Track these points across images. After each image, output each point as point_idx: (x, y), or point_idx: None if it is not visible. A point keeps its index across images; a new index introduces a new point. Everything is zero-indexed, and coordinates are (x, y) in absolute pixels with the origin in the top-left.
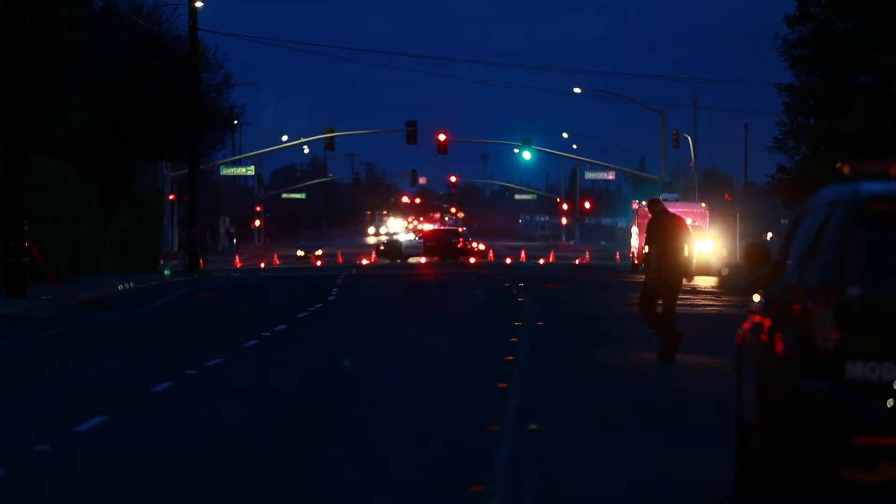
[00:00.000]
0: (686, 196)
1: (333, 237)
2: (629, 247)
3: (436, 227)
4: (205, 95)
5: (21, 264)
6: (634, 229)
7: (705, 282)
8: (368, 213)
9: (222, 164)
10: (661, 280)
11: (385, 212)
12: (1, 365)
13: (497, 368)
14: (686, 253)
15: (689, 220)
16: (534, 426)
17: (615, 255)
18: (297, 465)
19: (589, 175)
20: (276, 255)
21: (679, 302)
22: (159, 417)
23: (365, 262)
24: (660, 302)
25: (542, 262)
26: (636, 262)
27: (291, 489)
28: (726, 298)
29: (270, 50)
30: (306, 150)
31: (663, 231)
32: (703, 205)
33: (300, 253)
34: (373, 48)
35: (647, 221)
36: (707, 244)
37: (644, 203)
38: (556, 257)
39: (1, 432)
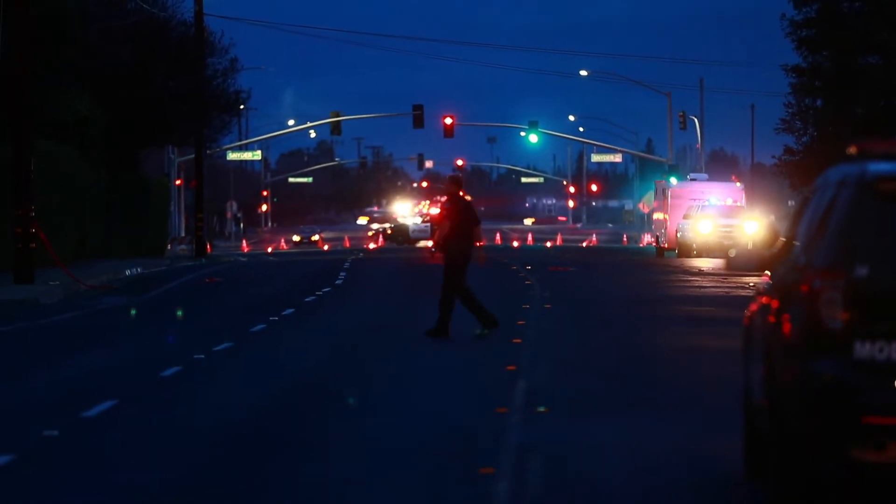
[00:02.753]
0: None
1: (340, 222)
2: (652, 228)
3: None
4: (211, 80)
5: (29, 250)
6: (658, 211)
7: (718, 263)
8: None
9: (229, 148)
10: (452, 258)
11: (371, 206)
12: (8, 351)
13: (505, 351)
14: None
15: (729, 201)
16: (542, 408)
17: (622, 237)
18: (306, 452)
19: (595, 157)
20: (283, 240)
21: (685, 283)
22: (167, 403)
23: (372, 245)
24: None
25: (549, 244)
26: (665, 245)
27: (303, 478)
28: (733, 280)
29: (276, 34)
30: (313, 135)
31: (463, 212)
32: (738, 184)
33: (296, 238)
34: (379, 31)
35: (451, 204)
36: (752, 225)
37: (675, 183)
38: (563, 240)
39: (9, 417)
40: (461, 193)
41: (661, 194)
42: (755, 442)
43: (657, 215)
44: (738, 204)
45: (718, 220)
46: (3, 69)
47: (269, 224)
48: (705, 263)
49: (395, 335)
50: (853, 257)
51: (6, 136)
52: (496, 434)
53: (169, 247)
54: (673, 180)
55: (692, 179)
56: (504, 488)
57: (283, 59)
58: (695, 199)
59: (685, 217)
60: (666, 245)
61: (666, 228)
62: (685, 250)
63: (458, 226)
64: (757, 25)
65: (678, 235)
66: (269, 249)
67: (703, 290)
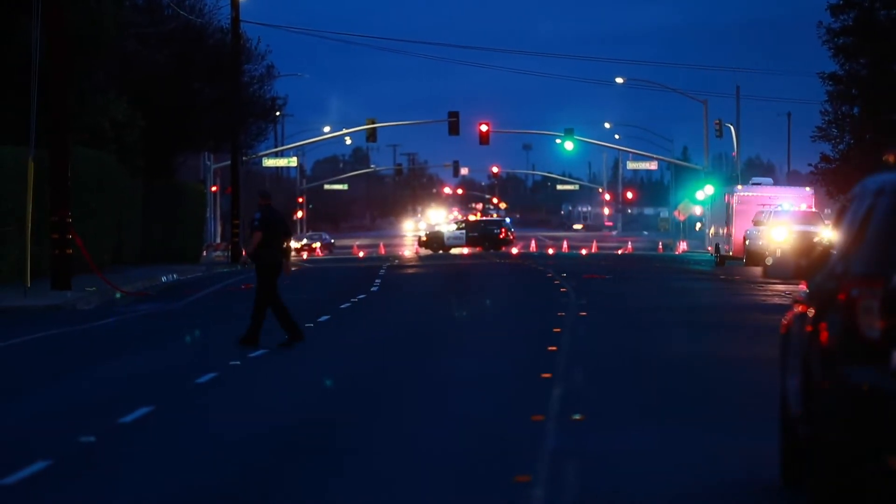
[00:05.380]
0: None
1: (376, 228)
2: (707, 236)
3: (477, 217)
4: (247, 87)
5: (65, 256)
6: (711, 215)
7: (756, 272)
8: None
9: (265, 155)
10: (262, 267)
11: (406, 213)
12: (45, 356)
13: (541, 359)
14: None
15: (802, 206)
16: (578, 416)
17: (658, 244)
18: (342, 457)
19: (631, 165)
20: (319, 246)
21: (724, 291)
22: (202, 409)
23: (407, 253)
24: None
25: (584, 252)
26: (729, 253)
27: (340, 482)
28: (770, 288)
29: (313, 40)
30: (348, 141)
31: (273, 224)
32: (807, 189)
33: (314, 245)
34: (415, 39)
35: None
36: (830, 234)
37: (740, 189)
38: (598, 247)
39: (47, 423)
40: (271, 206)
41: (723, 201)
42: (792, 449)
43: (715, 223)
44: (812, 209)
45: (794, 226)
46: (41, 75)
47: (305, 231)
48: None
49: (427, 344)
50: (891, 265)
51: (43, 142)
52: (532, 442)
53: (204, 253)
54: (738, 186)
55: (756, 184)
56: (540, 496)
57: (319, 65)
58: (764, 205)
59: (755, 223)
60: (731, 253)
61: (731, 236)
62: (754, 258)
63: (268, 236)
64: (793, 33)
65: (746, 243)
66: (305, 256)
67: (743, 297)
